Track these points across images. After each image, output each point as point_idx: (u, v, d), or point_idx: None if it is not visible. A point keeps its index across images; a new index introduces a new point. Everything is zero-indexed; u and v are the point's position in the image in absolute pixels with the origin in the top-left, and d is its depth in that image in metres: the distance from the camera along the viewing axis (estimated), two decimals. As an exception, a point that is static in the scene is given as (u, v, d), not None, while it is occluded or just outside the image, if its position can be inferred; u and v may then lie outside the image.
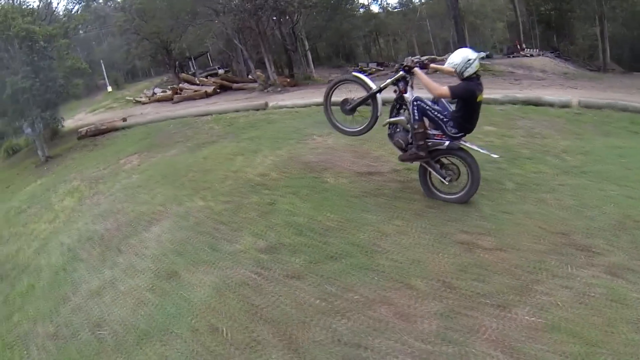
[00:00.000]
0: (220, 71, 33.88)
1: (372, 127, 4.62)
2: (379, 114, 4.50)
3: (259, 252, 4.48)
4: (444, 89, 3.89)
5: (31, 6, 21.49)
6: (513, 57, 23.53)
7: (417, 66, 4.22)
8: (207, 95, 21.64)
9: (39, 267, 6.11)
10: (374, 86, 4.39)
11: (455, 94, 3.88)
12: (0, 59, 14.64)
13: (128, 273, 5.07)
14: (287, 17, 23.77)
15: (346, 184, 5.75)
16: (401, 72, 4.24)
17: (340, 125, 4.92)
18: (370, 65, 30.02)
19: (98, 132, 16.44)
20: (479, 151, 4.19)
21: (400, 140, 4.38)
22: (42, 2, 24.02)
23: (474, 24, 36.81)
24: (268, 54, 22.20)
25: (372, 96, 4.40)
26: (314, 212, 5.00)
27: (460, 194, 4.34)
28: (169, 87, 24.27)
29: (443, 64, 4.25)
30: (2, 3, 18.78)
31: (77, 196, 9.40)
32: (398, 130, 4.47)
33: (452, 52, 4.33)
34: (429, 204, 4.64)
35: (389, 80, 4.26)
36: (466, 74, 3.89)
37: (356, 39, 43.03)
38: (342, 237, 4.31)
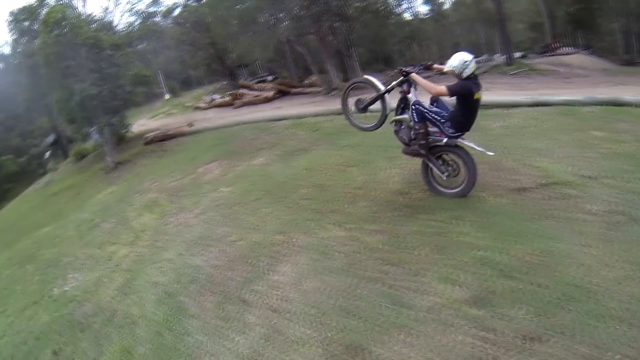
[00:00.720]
0: (269, 78, 33.56)
1: (382, 123, 4.89)
2: (387, 112, 4.74)
3: (466, 305, 3.26)
4: (442, 88, 4.02)
5: (96, 16, 21.54)
6: (549, 55, 22.57)
7: (414, 72, 4.42)
8: (267, 100, 20.33)
9: (130, 318, 4.45)
10: (382, 87, 4.63)
11: (452, 91, 4.01)
12: (68, 67, 13.98)
13: (275, 343, 3.27)
14: (346, 24, 22.00)
15: (507, 204, 4.58)
16: (401, 78, 4.50)
17: (356, 122, 5.23)
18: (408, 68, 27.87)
19: (165, 138, 15.37)
20: (475, 148, 4.27)
21: (404, 136, 4.64)
22: (104, 14, 24.15)
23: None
24: (330, 59, 20.61)
25: (381, 96, 4.64)
26: (498, 244, 3.90)
27: (458, 189, 4.52)
28: (228, 93, 23.21)
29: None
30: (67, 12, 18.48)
31: (157, 212, 7.92)
32: (403, 127, 4.69)
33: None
34: (610, 224, 3.85)
35: (394, 83, 4.55)
36: (464, 75, 4.03)
37: (392, 45, 41.78)
38: (550, 276, 3.40)
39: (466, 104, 4.09)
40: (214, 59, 28.84)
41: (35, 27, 16.99)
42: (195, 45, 28.79)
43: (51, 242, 8.99)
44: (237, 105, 20.48)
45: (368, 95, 4.86)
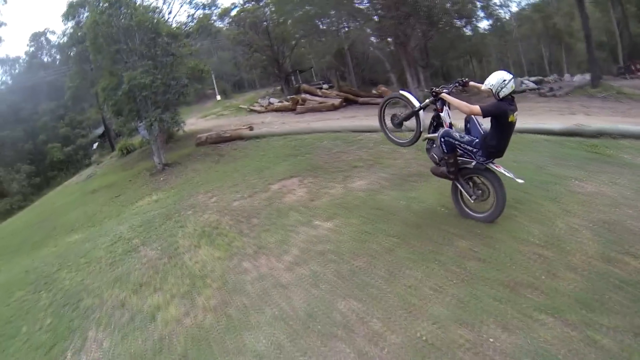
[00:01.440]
0: (325, 86, 32.09)
1: (417, 139, 4.70)
2: (422, 128, 4.56)
3: None
4: (476, 107, 3.80)
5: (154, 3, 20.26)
6: (630, 78, 19.77)
7: (446, 90, 4.28)
8: (334, 108, 17.98)
9: None
10: (417, 104, 4.49)
11: (486, 111, 3.80)
12: (118, 51, 12.09)
13: None
14: (423, 30, 19.33)
15: None
16: (428, 100, 4.42)
17: (393, 137, 5.05)
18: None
19: (220, 140, 13.25)
20: (505, 174, 4.01)
21: (434, 155, 4.44)
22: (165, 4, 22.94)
23: (569, 44, 31.08)
24: (411, 67, 18.04)
25: (415, 113, 4.52)
26: None
27: (486, 214, 4.24)
28: (288, 97, 21.16)
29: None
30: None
31: (222, 246, 5.44)
32: (434, 145, 4.47)
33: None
34: None
35: (427, 101, 4.47)
36: (502, 95, 3.82)
37: (452, 60, 38.66)
38: None
39: (500, 127, 3.86)
40: (271, 62, 27.26)
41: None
42: (252, 46, 27.45)
43: (76, 261, 6.78)
44: (299, 111, 18.27)
45: (403, 111, 4.73)
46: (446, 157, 4.16)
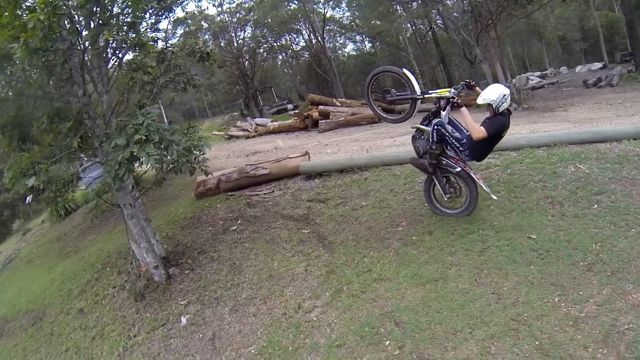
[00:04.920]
0: (289, 106, 26.91)
1: (405, 121, 4.48)
2: (414, 114, 4.32)
3: None
4: (483, 131, 3.72)
5: None
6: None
7: (457, 92, 4.07)
8: (372, 121, 12.35)
9: None
10: (419, 91, 4.17)
11: (490, 134, 3.74)
12: None
13: None
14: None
15: None
16: (449, 94, 4.02)
17: (381, 113, 4.78)
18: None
19: (245, 185, 6.65)
20: (483, 187, 4.01)
21: (419, 146, 4.32)
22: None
23: (549, 40, 30.79)
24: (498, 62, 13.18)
25: (413, 99, 4.21)
26: None
27: (456, 211, 4.28)
28: (294, 112, 15.12)
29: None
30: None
31: None
32: (422, 137, 4.34)
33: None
34: None
35: (434, 95, 4.12)
36: (501, 109, 3.78)
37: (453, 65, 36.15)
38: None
39: (492, 139, 3.83)
40: (238, 79, 21.16)
41: None
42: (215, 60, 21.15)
43: None
44: (324, 128, 12.20)
45: (397, 91, 4.40)
46: (433, 147, 3.98)
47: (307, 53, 26.07)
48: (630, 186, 3.87)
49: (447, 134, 3.98)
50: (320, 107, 13.41)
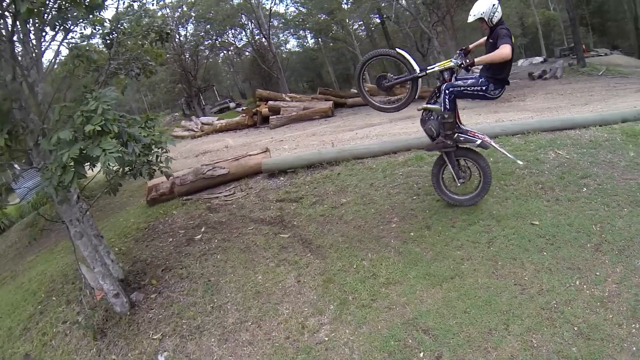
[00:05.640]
0: (232, 104, 26.74)
1: (406, 106, 4.05)
2: (416, 96, 3.94)
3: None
4: (504, 48, 3.38)
5: None
6: (573, 57, 20.54)
7: (459, 57, 3.76)
8: (324, 114, 12.18)
9: None
10: (417, 68, 3.84)
11: (510, 43, 3.42)
12: None
13: None
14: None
15: None
16: (452, 63, 3.71)
17: (377, 103, 4.31)
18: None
19: (202, 187, 5.88)
20: (507, 155, 3.81)
21: (432, 127, 3.99)
22: None
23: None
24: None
25: (413, 79, 3.86)
26: None
27: (468, 197, 4.06)
28: (241, 108, 14.34)
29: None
30: None
31: None
32: (432, 117, 4.02)
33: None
34: None
35: (436, 68, 3.80)
36: (495, 20, 3.60)
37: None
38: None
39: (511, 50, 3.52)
40: (181, 77, 19.56)
41: None
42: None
43: None
44: (276, 124, 11.63)
45: (394, 74, 4.04)
46: (446, 116, 3.72)
47: (251, 49, 25.15)
48: (610, 169, 4.06)
49: (462, 88, 3.71)
50: (270, 102, 12.79)
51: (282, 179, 5.76)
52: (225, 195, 5.90)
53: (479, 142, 3.76)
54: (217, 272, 4.02)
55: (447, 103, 3.72)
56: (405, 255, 3.71)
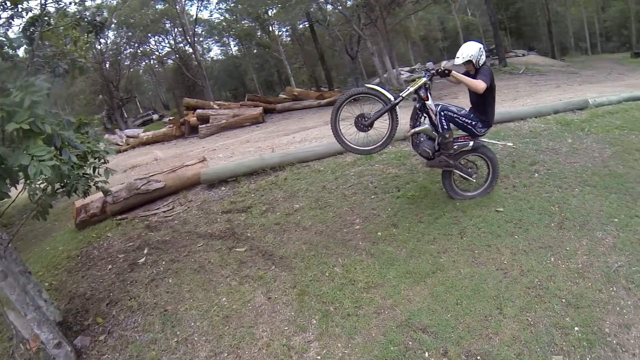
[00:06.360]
0: (155, 116, 26.00)
1: (389, 142, 3.94)
2: (397, 126, 3.83)
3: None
4: (482, 82, 3.57)
5: None
6: (495, 58, 23.28)
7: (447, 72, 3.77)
8: (255, 121, 11.96)
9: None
10: (392, 97, 3.75)
11: (489, 80, 3.62)
12: None
13: None
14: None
15: None
16: (424, 79, 3.77)
17: (353, 145, 3.93)
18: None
19: (137, 204, 5.21)
20: (497, 143, 4.23)
21: (426, 149, 3.93)
22: None
23: (413, 39, 36.44)
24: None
25: (391, 108, 3.76)
26: None
27: (481, 190, 4.15)
28: (168, 119, 13.35)
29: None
30: None
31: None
32: (422, 139, 3.98)
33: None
34: None
35: (411, 89, 3.79)
36: (481, 63, 3.77)
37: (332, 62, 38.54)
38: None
39: (492, 93, 3.78)
40: (104, 88, 17.67)
41: None
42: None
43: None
44: (206, 133, 11.03)
45: (371, 109, 3.85)
46: (447, 136, 3.80)
47: (174, 57, 23.81)
48: (554, 155, 4.45)
49: (455, 115, 3.80)
50: (198, 111, 12.13)
51: (223, 188, 5.38)
52: (164, 211, 5.32)
53: (471, 143, 3.92)
54: (173, 300, 3.49)
55: (444, 124, 3.80)
56: (378, 256, 3.60)
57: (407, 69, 25.33)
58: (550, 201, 3.77)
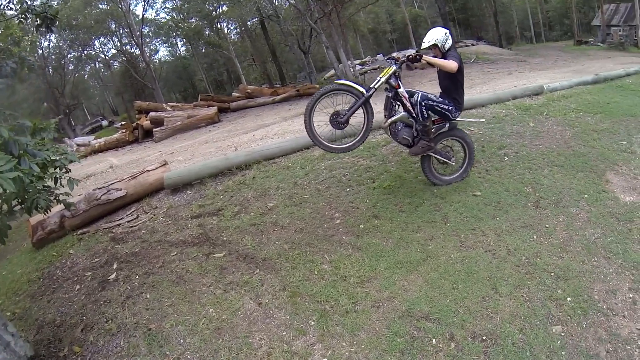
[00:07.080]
0: (104, 123, 25.13)
1: (367, 137, 3.91)
2: (373, 119, 3.84)
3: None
4: (454, 62, 3.64)
5: None
6: (457, 48, 26.39)
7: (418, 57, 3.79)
8: (211, 120, 11.67)
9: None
10: (364, 90, 3.73)
11: (459, 61, 3.71)
12: None
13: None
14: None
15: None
16: (394, 67, 3.82)
17: (332, 145, 3.85)
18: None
19: (98, 215, 4.80)
20: (471, 121, 4.55)
21: (406, 137, 4.07)
22: None
23: (362, 33, 37.02)
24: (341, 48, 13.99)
25: (365, 101, 3.74)
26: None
27: (458, 173, 4.25)
28: (120, 124, 12.57)
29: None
30: None
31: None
32: (400, 127, 4.09)
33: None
34: None
35: (382, 79, 3.81)
36: (447, 47, 3.86)
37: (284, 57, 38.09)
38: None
39: (462, 76, 3.89)
40: (48, 95, 16.11)
41: None
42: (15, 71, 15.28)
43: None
44: (161, 136, 10.49)
45: (345, 106, 3.78)
46: (427, 124, 3.89)
47: (121, 60, 22.41)
48: (520, 139, 4.70)
49: (435, 103, 3.86)
50: (152, 114, 11.49)
51: (189, 192, 5.15)
52: (128, 221, 4.97)
53: (447, 125, 4.05)
54: (155, 316, 3.24)
55: (424, 113, 3.87)
56: (365, 249, 3.58)
57: (358, 61, 25.73)
58: (524, 182, 3.96)
